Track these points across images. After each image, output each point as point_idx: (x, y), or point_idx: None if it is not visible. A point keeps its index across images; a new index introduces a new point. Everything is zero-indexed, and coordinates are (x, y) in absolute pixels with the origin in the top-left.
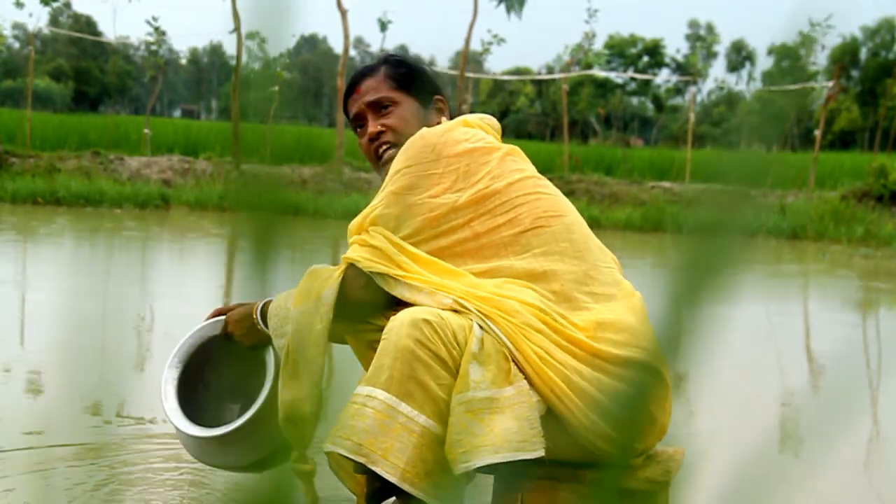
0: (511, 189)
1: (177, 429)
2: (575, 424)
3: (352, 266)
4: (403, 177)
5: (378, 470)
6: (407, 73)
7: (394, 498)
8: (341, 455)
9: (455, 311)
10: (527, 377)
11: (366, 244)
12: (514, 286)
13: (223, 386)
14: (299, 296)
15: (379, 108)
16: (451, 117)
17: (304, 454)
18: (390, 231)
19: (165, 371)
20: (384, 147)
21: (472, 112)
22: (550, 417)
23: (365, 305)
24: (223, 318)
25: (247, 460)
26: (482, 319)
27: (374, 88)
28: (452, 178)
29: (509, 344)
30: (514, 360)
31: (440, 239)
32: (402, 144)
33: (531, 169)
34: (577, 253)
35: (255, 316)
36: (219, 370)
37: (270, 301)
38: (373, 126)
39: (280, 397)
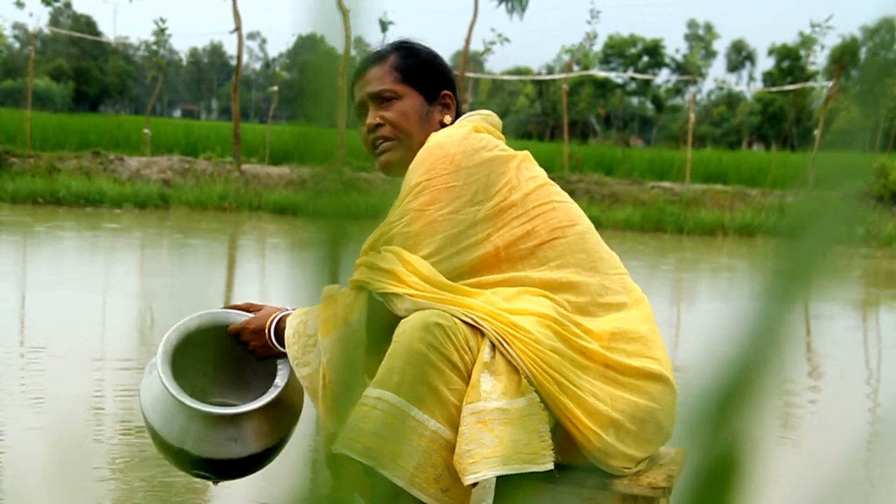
0: (527, 200)
1: (180, 408)
2: (588, 447)
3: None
4: (424, 191)
5: (387, 474)
6: (415, 65)
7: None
8: (348, 457)
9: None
10: (541, 401)
11: (374, 267)
12: (528, 296)
13: (200, 379)
14: (326, 325)
15: (381, 99)
16: (457, 115)
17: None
18: (409, 250)
19: (160, 354)
20: (380, 141)
21: (471, 111)
22: (559, 428)
23: (390, 328)
24: (232, 312)
25: (245, 452)
26: (498, 341)
27: (378, 78)
28: (473, 190)
29: (524, 368)
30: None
31: (462, 255)
32: (398, 139)
33: (543, 175)
34: (591, 264)
35: (267, 334)
36: (203, 362)
37: (282, 316)
38: (371, 117)
39: (324, 432)
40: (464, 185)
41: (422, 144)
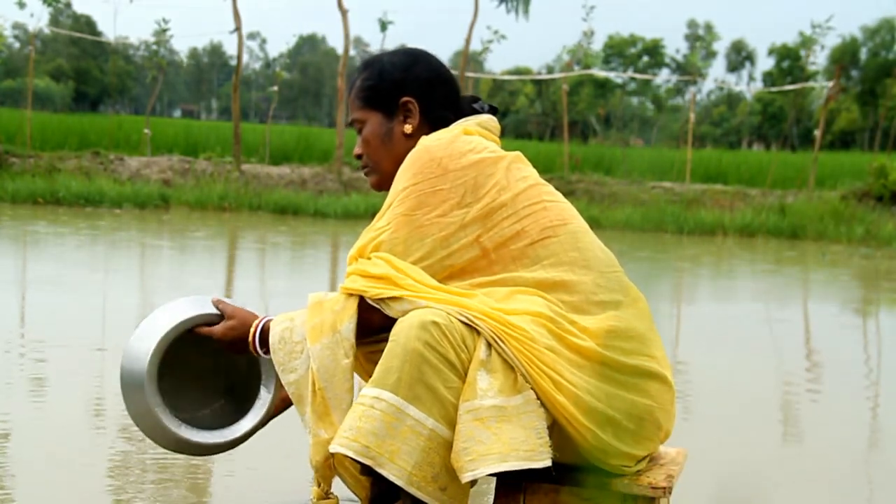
0: (517, 200)
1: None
2: (584, 445)
3: (360, 296)
4: (410, 196)
5: (385, 473)
6: (371, 86)
7: (399, 501)
8: (346, 457)
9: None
10: (537, 398)
11: (367, 274)
12: (523, 295)
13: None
14: (313, 331)
15: (356, 128)
16: (446, 110)
17: (329, 491)
18: (398, 255)
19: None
20: (362, 168)
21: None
22: (557, 425)
23: (381, 332)
24: (196, 317)
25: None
26: (494, 340)
27: (350, 108)
28: (461, 193)
29: (520, 366)
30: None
31: (451, 259)
32: (370, 167)
33: (534, 175)
34: (584, 262)
35: (252, 344)
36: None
37: (265, 322)
38: (356, 147)
39: (313, 438)
40: (451, 189)
41: (396, 161)
